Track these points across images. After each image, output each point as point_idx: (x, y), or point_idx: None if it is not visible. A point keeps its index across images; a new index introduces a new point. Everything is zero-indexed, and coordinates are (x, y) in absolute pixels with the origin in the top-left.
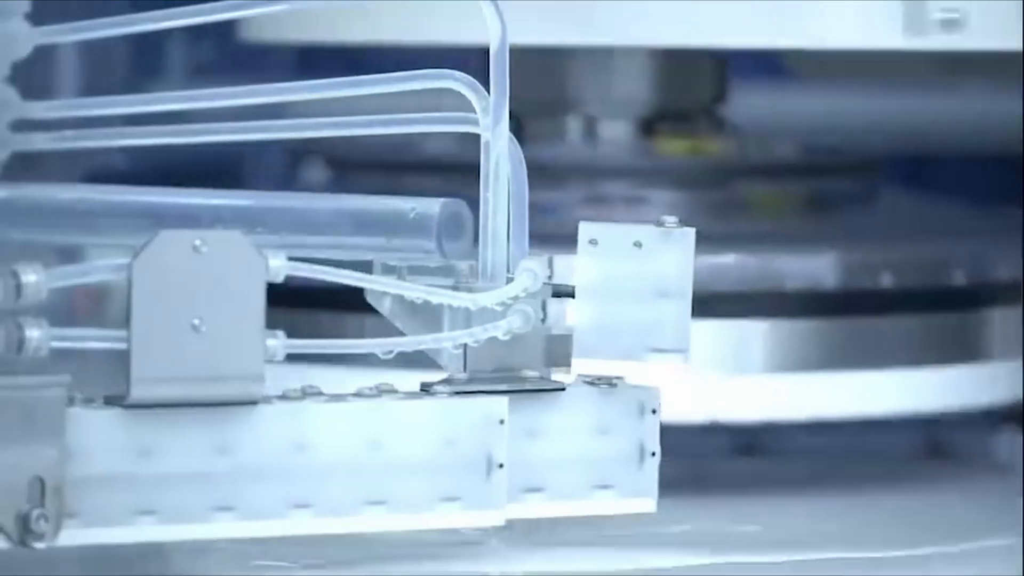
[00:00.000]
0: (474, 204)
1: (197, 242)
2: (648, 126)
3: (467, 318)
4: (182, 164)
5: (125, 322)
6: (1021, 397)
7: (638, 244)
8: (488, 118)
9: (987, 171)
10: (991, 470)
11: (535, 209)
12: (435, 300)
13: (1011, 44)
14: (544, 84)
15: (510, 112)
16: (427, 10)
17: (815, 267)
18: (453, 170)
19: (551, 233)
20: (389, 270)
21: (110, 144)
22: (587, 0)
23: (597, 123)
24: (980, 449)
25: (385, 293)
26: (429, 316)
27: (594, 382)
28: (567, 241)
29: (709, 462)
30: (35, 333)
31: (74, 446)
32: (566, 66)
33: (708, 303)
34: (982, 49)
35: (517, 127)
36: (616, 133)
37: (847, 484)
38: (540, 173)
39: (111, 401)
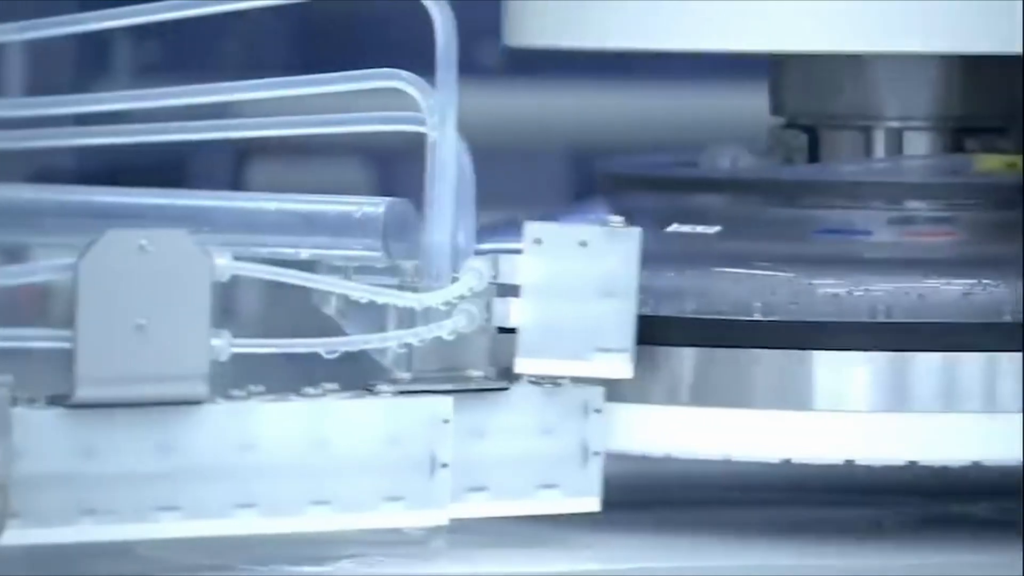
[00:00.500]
0: None
1: (143, 242)
2: (956, 139)
3: (412, 318)
4: (128, 163)
5: (70, 322)
6: None
7: (584, 244)
8: (434, 117)
9: None
10: None
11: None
12: (380, 300)
13: None
14: (841, 94)
15: (806, 126)
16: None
17: None
18: None
19: (856, 255)
20: (335, 270)
21: (57, 144)
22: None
23: (902, 136)
24: None
25: (331, 293)
26: (375, 316)
27: (539, 382)
28: (872, 264)
29: None
30: None
31: (18, 446)
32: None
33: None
34: None
35: (812, 141)
36: (920, 147)
37: None
38: (838, 190)
39: (55, 401)
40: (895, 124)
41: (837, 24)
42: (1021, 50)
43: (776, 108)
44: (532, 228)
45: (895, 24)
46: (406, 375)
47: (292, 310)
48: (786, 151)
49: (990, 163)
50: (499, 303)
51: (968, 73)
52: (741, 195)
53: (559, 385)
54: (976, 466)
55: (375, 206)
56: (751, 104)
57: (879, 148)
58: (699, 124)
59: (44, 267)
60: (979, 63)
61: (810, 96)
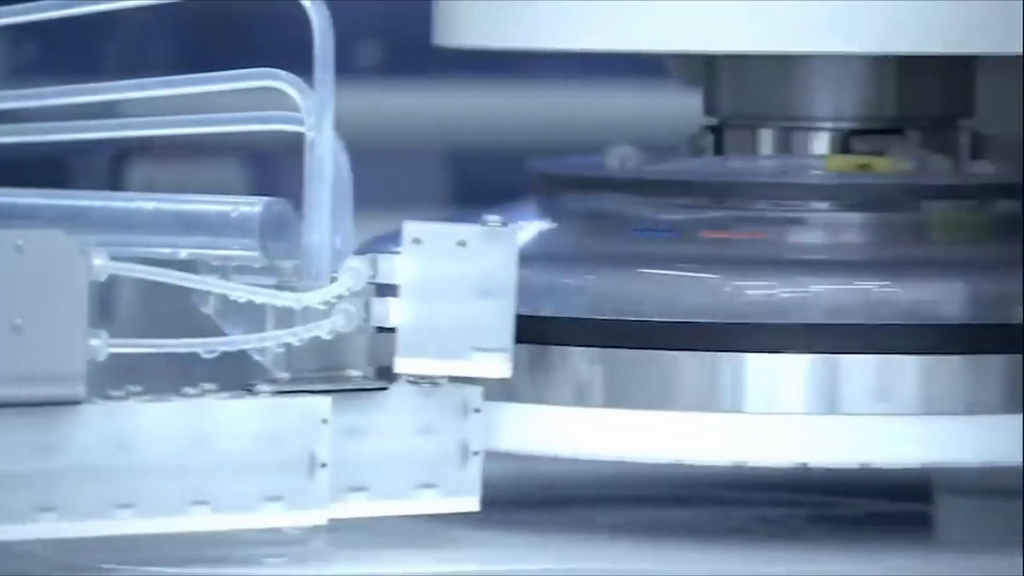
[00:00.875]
0: None
1: (19, 241)
2: (845, 141)
3: (291, 318)
4: (5, 163)
5: None
6: None
7: (462, 243)
8: (312, 117)
9: None
10: None
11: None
12: (259, 300)
13: None
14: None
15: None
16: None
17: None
18: None
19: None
20: (213, 270)
21: None
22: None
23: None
24: None
25: (209, 293)
26: (253, 316)
27: (417, 381)
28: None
29: None
30: None
31: None
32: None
33: None
34: None
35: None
36: (822, 147)
37: None
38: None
39: None
40: (786, 124)
41: (765, 24)
42: (941, 50)
43: (706, 108)
44: (410, 228)
45: (820, 25)
46: (285, 375)
47: (171, 310)
48: (697, 151)
49: (838, 164)
50: (378, 303)
51: (869, 73)
52: (656, 196)
53: (438, 385)
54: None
55: (252, 206)
56: (642, 103)
57: (791, 148)
58: (585, 124)
59: None
60: (880, 63)
61: (727, 95)
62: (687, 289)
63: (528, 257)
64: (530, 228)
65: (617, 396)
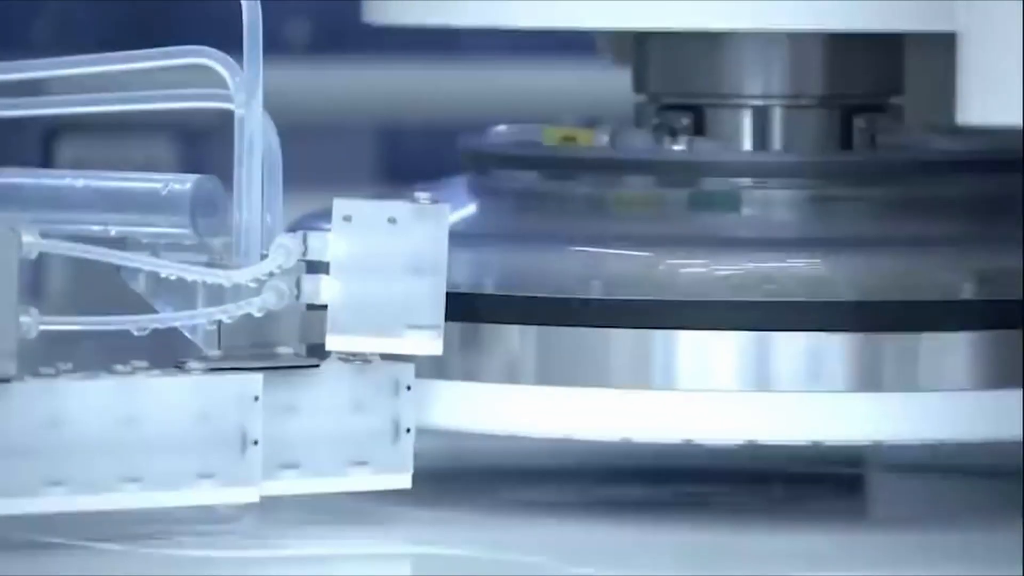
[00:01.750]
0: None
1: None
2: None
3: (221, 295)
4: None
5: None
6: None
7: (392, 220)
8: (242, 95)
9: None
10: None
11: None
12: (189, 277)
13: None
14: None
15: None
16: None
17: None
18: None
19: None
20: (143, 247)
21: None
22: None
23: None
24: None
25: (139, 270)
26: (184, 293)
27: (349, 359)
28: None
29: None
30: None
31: None
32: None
33: None
34: None
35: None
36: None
37: None
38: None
39: None
40: (714, 102)
41: (691, 1)
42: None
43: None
44: (340, 205)
45: (749, 2)
46: (216, 352)
47: (102, 288)
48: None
49: (552, 135)
50: (308, 280)
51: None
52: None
53: (369, 362)
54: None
55: (182, 183)
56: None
57: (721, 126)
58: (516, 100)
59: None
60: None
61: (655, 73)
62: (618, 267)
63: (460, 234)
64: (461, 207)
65: (549, 373)
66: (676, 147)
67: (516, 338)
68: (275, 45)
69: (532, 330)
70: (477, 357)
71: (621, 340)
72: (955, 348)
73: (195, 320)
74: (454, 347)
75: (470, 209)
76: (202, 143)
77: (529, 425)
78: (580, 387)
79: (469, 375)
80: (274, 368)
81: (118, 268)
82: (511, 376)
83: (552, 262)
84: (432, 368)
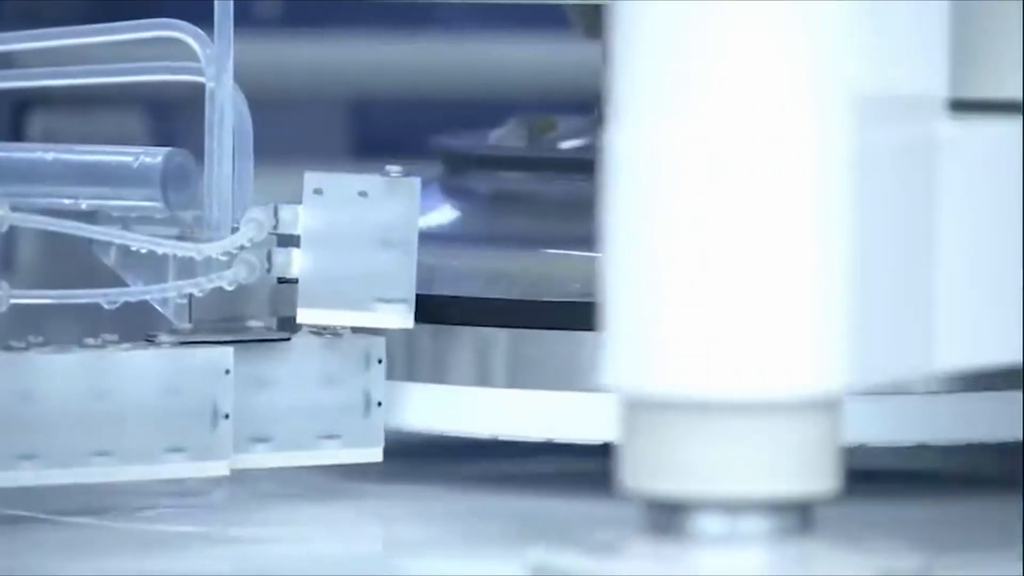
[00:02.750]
0: None
1: None
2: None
3: (192, 268)
4: None
5: None
6: None
7: (363, 194)
8: (212, 68)
9: None
10: None
11: None
12: (160, 250)
13: None
14: None
15: None
16: None
17: None
18: None
19: None
20: (114, 220)
21: None
22: None
23: None
24: None
25: (110, 244)
26: (155, 266)
27: (320, 332)
28: None
29: None
30: None
31: None
32: None
33: None
34: None
35: None
36: None
37: None
38: None
39: None
40: None
41: None
42: None
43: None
44: (311, 178)
45: None
46: (187, 325)
47: (72, 262)
48: None
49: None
50: (279, 253)
51: None
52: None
53: (340, 335)
54: None
55: (153, 156)
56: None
57: None
58: (488, 74)
59: None
60: None
61: None
62: (590, 269)
63: (432, 236)
64: (434, 208)
65: (521, 376)
66: None
67: (487, 341)
68: (246, 18)
69: (503, 333)
70: (446, 359)
71: (592, 343)
72: None
73: (166, 293)
74: (423, 349)
75: (443, 210)
76: (173, 116)
77: (498, 428)
78: (553, 391)
79: (437, 378)
80: (245, 341)
81: (89, 241)
82: (482, 379)
83: (524, 264)
84: (402, 371)
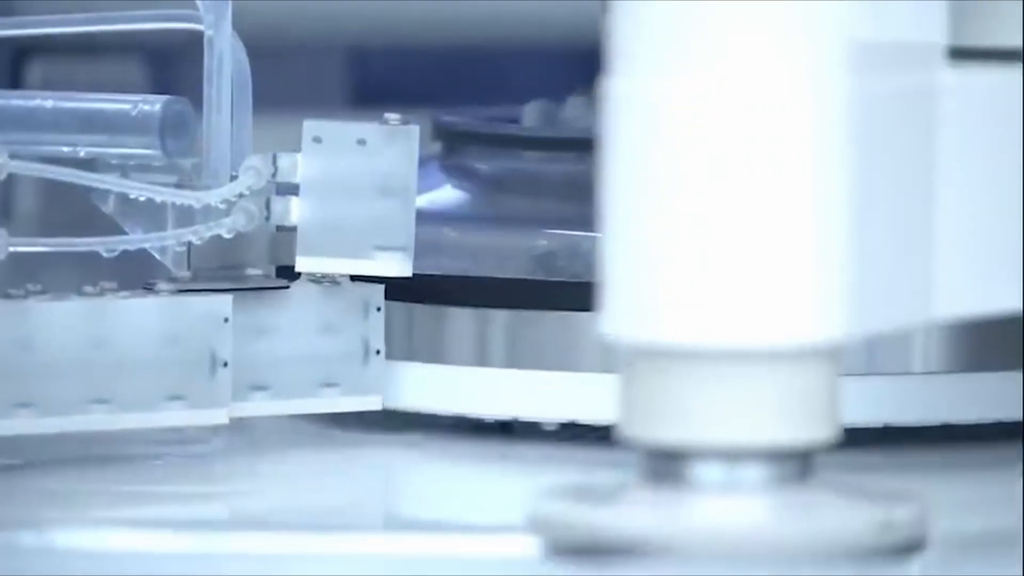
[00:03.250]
0: None
1: None
2: None
3: (191, 216)
4: None
5: None
6: None
7: (362, 142)
8: (211, 16)
9: None
10: None
11: None
12: (159, 198)
13: None
14: None
15: None
16: None
17: None
18: None
19: None
20: (112, 168)
21: None
22: None
23: None
24: None
25: (109, 192)
26: (153, 215)
27: (319, 280)
28: None
29: None
30: None
31: None
32: None
33: None
34: None
35: None
36: None
37: None
38: None
39: None
40: None
41: None
42: None
43: None
44: (310, 126)
45: None
46: (185, 274)
47: (71, 210)
48: None
49: None
50: (278, 201)
51: None
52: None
53: (339, 284)
54: None
55: (152, 104)
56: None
57: None
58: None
59: None
60: None
61: None
62: (590, 249)
63: (431, 215)
64: (433, 186)
65: (519, 356)
66: None
67: (484, 321)
68: None
69: (502, 313)
70: (443, 339)
71: (591, 324)
72: None
73: (164, 241)
74: (421, 329)
75: (442, 189)
76: (172, 64)
77: (499, 408)
78: (552, 371)
79: (435, 357)
80: (244, 289)
81: (87, 189)
82: (481, 359)
83: (522, 243)
84: (400, 350)
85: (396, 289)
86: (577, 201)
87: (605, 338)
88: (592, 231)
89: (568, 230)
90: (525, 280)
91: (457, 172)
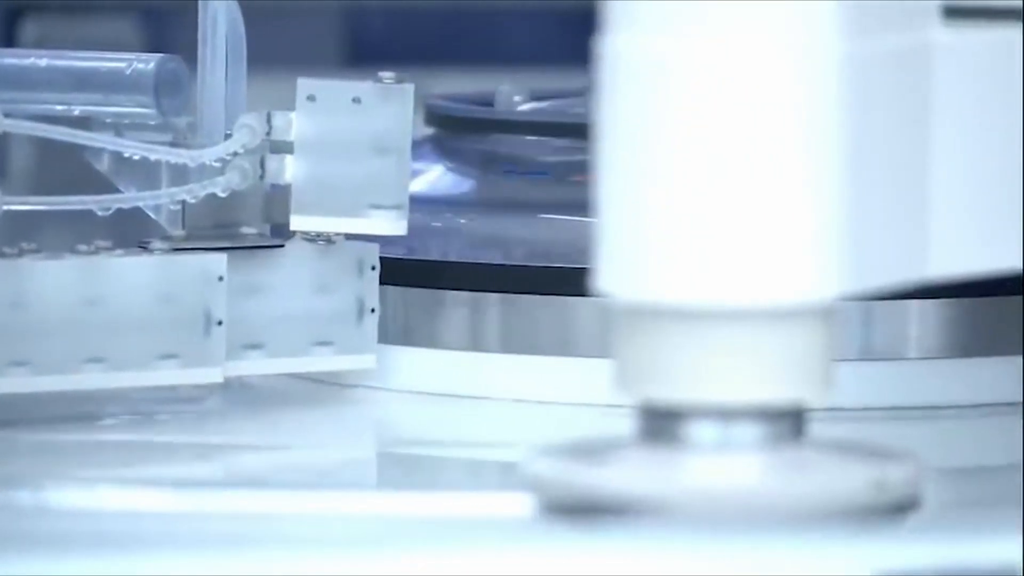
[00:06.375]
0: None
1: None
2: None
3: (186, 175)
4: None
5: None
6: None
7: (357, 100)
8: None
9: None
10: None
11: None
12: (153, 157)
13: None
14: None
15: None
16: None
17: None
18: None
19: None
20: (107, 127)
21: None
22: None
23: None
24: None
25: (103, 150)
26: (148, 173)
27: (313, 239)
28: None
29: None
30: None
31: None
32: None
33: None
34: None
35: None
36: None
37: None
38: None
39: None
40: None
41: None
42: None
43: None
44: (304, 85)
45: None
46: (180, 232)
47: (65, 168)
48: None
49: None
50: (273, 160)
51: None
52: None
53: (333, 242)
54: None
55: (146, 63)
56: None
57: None
58: None
59: None
60: None
61: None
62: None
63: (426, 200)
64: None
65: (513, 341)
66: None
67: (479, 305)
68: None
69: (496, 297)
70: (438, 324)
71: (585, 308)
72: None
73: (159, 200)
74: (416, 313)
75: (436, 174)
76: (166, 23)
77: (493, 392)
78: (546, 355)
79: (430, 342)
80: (238, 248)
81: (82, 148)
82: (475, 343)
83: (518, 229)
84: (395, 335)
85: (391, 273)
86: (572, 186)
87: (600, 293)
88: (587, 216)
89: (563, 215)
90: (520, 265)
91: (451, 156)
